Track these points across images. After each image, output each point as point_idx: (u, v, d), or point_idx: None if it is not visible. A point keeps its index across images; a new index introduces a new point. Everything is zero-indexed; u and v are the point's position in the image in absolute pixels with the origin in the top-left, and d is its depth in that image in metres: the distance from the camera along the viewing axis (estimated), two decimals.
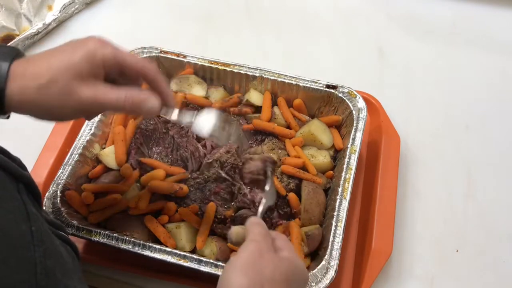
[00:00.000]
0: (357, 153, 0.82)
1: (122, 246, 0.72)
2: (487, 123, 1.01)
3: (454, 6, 1.21)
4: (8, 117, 0.60)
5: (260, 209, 0.72)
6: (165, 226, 0.78)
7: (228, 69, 0.92)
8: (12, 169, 0.51)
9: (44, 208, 0.75)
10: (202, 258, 0.71)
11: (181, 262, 0.71)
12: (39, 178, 0.85)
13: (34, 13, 1.13)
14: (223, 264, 0.71)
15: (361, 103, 0.87)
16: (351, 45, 1.15)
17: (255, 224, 0.60)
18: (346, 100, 0.88)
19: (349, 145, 0.83)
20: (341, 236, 0.73)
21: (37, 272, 0.45)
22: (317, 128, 0.87)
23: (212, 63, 0.93)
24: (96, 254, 0.79)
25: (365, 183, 0.89)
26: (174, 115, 0.67)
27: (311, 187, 0.80)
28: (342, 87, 0.89)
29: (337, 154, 0.88)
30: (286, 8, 1.23)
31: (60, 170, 0.80)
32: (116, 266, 0.79)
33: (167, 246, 0.74)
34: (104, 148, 0.87)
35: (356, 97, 0.88)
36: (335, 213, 0.76)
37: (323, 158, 0.85)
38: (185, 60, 0.93)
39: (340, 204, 0.77)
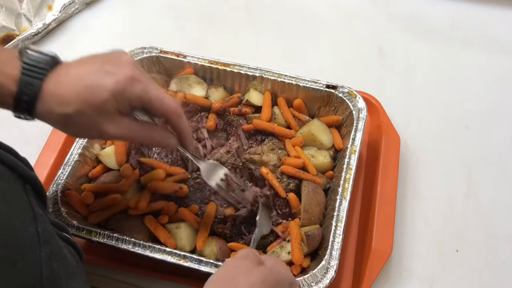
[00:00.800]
0: (357, 153, 0.82)
1: (122, 246, 0.72)
2: (487, 123, 1.01)
3: (454, 6, 1.21)
4: (32, 119, 0.60)
5: (253, 238, 0.73)
6: (165, 226, 0.78)
7: (228, 69, 0.92)
8: (21, 170, 0.51)
9: None
10: (202, 258, 0.71)
11: (181, 262, 0.71)
12: (39, 178, 0.85)
13: (34, 13, 1.13)
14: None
15: (361, 103, 0.87)
16: (351, 45, 1.15)
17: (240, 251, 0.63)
18: (346, 100, 0.88)
19: (349, 145, 0.83)
20: (341, 236, 0.73)
21: (42, 275, 0.45)
22: (317, 128, 0.87)
23: (212, 63, 0.93)
24: (96, 254, 0.79)
25: (365, 183, 0.89)
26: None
27: (311, 187, 0.80)
28: (342, 87, 0.89)
29: (337, 154, 0.88)
30: (286, 8, 1.23)
31: (60, 170, 0.80)
32: (116, 266, 0.79)
33: (167, 246, 0.74)
34: (104, 148, 0.87)
35: (356, 97, 0.88)
36: (335, 213, 0.76)
37: (323, 158, 0.85)
38: (185, 60, 0.93)
39: (340, 204, 0.77)
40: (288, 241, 0.76)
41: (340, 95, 0.88)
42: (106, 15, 1.20)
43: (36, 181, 0.53)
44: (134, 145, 0.86)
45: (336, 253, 0.72)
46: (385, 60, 1.12)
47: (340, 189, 0.78)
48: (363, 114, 0.86)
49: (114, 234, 0.73)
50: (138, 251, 0.72)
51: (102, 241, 0.73)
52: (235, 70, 0.92)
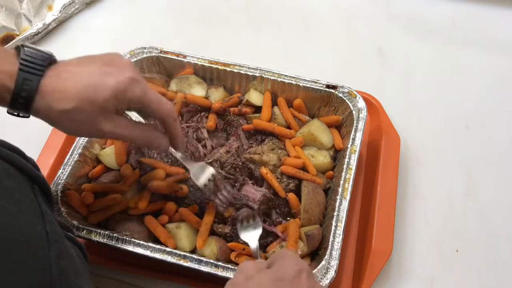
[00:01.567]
0: (357, 153, 0.82)
1: (122, 246, 0.72)
2: (487, 123, 1.01)
3: (454, 6, 1.21)
4: (28, 116, 0.60)
5: (254, 249, 0.74)
6: (165, 226, 0.78)
7: (228, 69, 0.92)
8: (28, 171, 0.51)
9: None
10: (202, 258, 0.71)
11: (181, 262, 0.71)
12: None
13: (34, 13, 1.13)
14: (223, 264, 0.71)
15: (361, 103, 0.87)
16: (351, 45, 1.15)
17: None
18: (346, 100, 0.88)
19: (349, 145, 0.83)
20: (341, 236, 0.73)
21: (52, 273, 0.46)
22: (317, 128, 0.87)
23: (212, 63, 0.93)
24: (96, 254, 0.79)
25: (365, 183, 0.89)
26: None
27: (310, 187, 0.80)
28: (342, 87, 0.89)
29: (337, 154, 0.88)
30: (286, 8, 1.23)
31: (60, 170, 0.80)
32: (116, 266, 0.79)
33: (167, 246, 0.74)
34: (104, 148, 0.86)
35: (356, 97, 0.88)
36: (335, 213, 0.75)
37: (323, 158, 0.85)
38: (185, 60, 0.93)
39: (340, 204, 0.77)
40: None
41: (340, 95, 0.88)
42: (106, 15, 1.20)
43: (43, 181, 0.54)
44: (134, 145, 0.86)
45: (336, 253, 0.72)
46: (385, 60, 1.12)
47: (340, 189, 0.78)
48: (363, 114, 0.86)
49: (114, 234, 0.73)
50: (138, 251, 0.72)
51: (102, 241, 0.73)
52: (235, 70, 0.92)
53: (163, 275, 0.78)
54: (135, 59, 0.93)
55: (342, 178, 0.79)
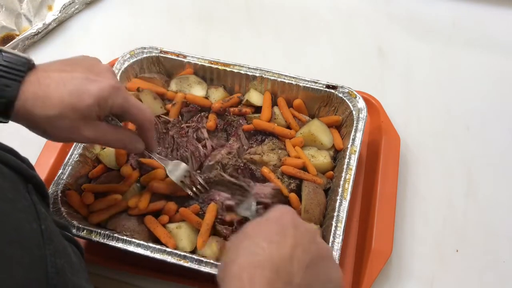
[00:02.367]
0: (357, 154, 0.82)
1: (122, 246, 0.72)
2: (487, 123, 1.01)
3: (454, 6, 1.21)
4: (7, 122, 0.60)
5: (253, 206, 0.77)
6: (166, 226, 0.78)
7: (228, 69, 0.92)
8: (22, 170, 0.52)
9: None
10: (202, 259, 0.71)
11: (181, 263, 0.71)
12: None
13: (34, 13, 1.13)
14: None
15: (361, 103, 0.87)
16: (351, 45, 1.15)
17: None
18: (346, 100, 0.88)
19: (349, 146, 0.83)
20: (341, 237, 0.73)
21: (48, 271, 0.45)
22: (317, 128, 0.87)
23: (212, 63, 0.93)
24: (96, 254, 0.79)
25: (365, 183, 0.89)
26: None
27: (311, 187, 0.80)
28: (342, 87, 0.89)
29: (337, 155, 0.88)
30: (286, 8, 1.23)
31: (60, 170, 0.80)
32: (116, 266, 0.79)
33: (167, 246, 0.74)
34: (104, 148, 0.86)
35: (356, 97, 0.88)
36: (335, 214, 0.75)
37: (323, 158, 0.85)
38: (185, 60, 0.93)
39: (340, 204, 0.77)
40: None
41: (340, 95, 0.88)
42: (106, 15, 1.20)
43: (38, 180, 0.54)
44: None
45: (336, 253, 0.72)
46: (385, 60, 1.12)
47: (340, 190, 0.78)
48: (363, 114, 0.86)
49: (114, 234, 0.73)
50: (138, 251, 0.72)
51: (102, 241, 0.73)
52: (235, 70, 0.92)
53: (163, 275, 0.78)
54: (135, 59, 0.93)
55: (342, 179, 0.79)
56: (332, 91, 0.89)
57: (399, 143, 0.90)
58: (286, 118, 0.90)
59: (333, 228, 0.74)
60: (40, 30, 1.11)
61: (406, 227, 0.86)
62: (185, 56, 0.94)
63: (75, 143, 0.83)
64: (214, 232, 0.79)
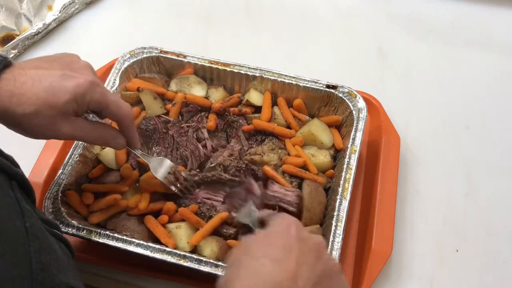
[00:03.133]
0: (357, 153, 0.82)
1: (122, 246, 0.72)
2: (487, 123, 1.01)
3: (454, 6, 1.21)
4: None
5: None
6: (166, 226, 0.78)
7: (228, 69, 0.92)
8: (5, 167, 0.51)
9: (44, 208, 0.75)
10: (202, 258, 0.71)
11: (181, 262, 0.71)
12: (39, 178, 0.85)
13: (34, 13, 1.13)
14: (223, 264, 0.71)
15: (361, 103, 0.87)
16: (351, 45, 1.15)
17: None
18: (346, 100, 0.88)
19: (349, 145, 0.83)
20: (341, 236, 0.73)
21: (32, 267, 0.46)
22: (317, 128, 0.87)
23: (212, 63, 0.93)
24: (96, 254, 0.79)
25: (365, 183, 0.89)
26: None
27: (313, 186, 0.80)
28: (342, 87, 0.89)
29: (337, 154, 0.88)
30: (286, 8, 1.23)
31: (60, 170, 0.80)
32: (116, 266, 0.79)
33: (167, 246, 0.74)
34: (104, 148, 0.86)
35: (356, 97, 0.88)
36: (335, 213, 0.76)
37: (323, 157, 0.85)
38: (185, 60, 0.93)
39: (340, 204, 0.77)
40: None
41: (340, 95, 0.88)
42: (106, 15, 1.20)
43: (23, 178, 0.54)
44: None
45: (336, 253, 0.72)
46: (385, 60, 1.12)
47: (340, 189, 0.78)
48: (363, 114, 0.86)
49: (114, 234, 0.73)
50: (138, 251, 0.72)
51: (102, 241, 0.73)
52: (235, 70, 0.92)
53: (163, 275, 0.78)
54: (135, 59, 0.93)
55: (342, 178, 0.79)
56: (332, 91, 0.89)
57: (399, 143, 0.90)
58: (286, 118, 0.90)
59: (333, 228, 0.74)
60: (40, 30, 1.11)
61: (406, 227, 0.86)
62: (185, 56, 0.94)
63: (75, 143, 0.83)
64: (214, 232, 0.78)
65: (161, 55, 0.93)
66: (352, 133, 0.84)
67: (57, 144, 0.90)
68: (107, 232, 0.74)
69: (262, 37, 1.17)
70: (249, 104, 0.92)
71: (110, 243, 0.73)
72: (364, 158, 0.92)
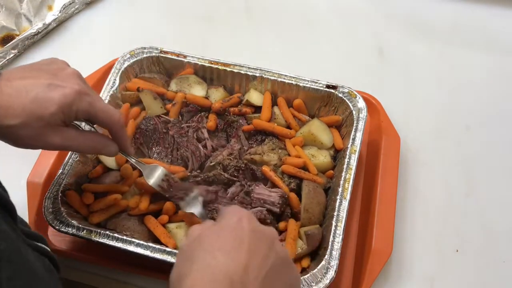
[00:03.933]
0: (357, 153, 0.82)
1: (122, 246, 0.72)
2: (487, 123, 1.01)
3: (454, 6, 1.21)
4: None
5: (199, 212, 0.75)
6: (166, 226, 0.78)
7: (228, 69, 0.92)
8: None
9: (44, 208, 0.75)
10: None
11: None
12: (39, 178, 0.85)
13: (34, 13, 1.13)
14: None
15: (361, 103, 0.87)
16: (351, 45, 1.15)
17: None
18: (346, 100, 0.88)
19: (349, 145, 0.83)
20: (341, 236, 0.73)
21: None
22: (317, 128, 0.87)
23: (212, 63, 0.93)
24: (96, 254, 0.79)
25: (365, 183, 0.89)
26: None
27: (311, 187, 0.80)
28: (342, 87, 0.89)
29: (337, 154, 0.88)
30: (286, 8, 1.23)
31: (60, 170, 0.80)
32: (116, 266, 0.79)
33: (167, 246, 0.74)
34: None
35: (356, 97, 0.88)
36: (335, 213, 0.76)
37: (323, 158, 0.85)
38: (185, 60, 0.93)
39: (340, 204, 0.77)
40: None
41: (340, 95, 0.88)
42: (106, 15, 1.20)
43: (1, 195, 0.51)
44: (134, 145, 0.86)
45: (336, 253, 0.72)
46: (385, 60, 1.12)
47: (340, 189, 0.78)
48: (363, 114, 0.86)
49: (114, 234, 0.73)
50: (138, 251, 0.72)
51: (102, 241, 0.73)
52: (235, 70, 0.92)
53: (163, 275, 0.78)
54: (135, 59, 0.93)
55: (342, 178, 0.79)
56: (332, 91, 0.89)
57: (399, 143, 0.90)
58: (286, 118, 0.90)
59: (333, 228, 0.74)
60: (40, 30, 1.11)
61: (406, 227, 0.86)
62: (185, 56, 0.94)
63: None
64: None
65: (161, 55, 0.93)
66: (352, 133, 0.84)
67: None
68: (107, 232, 0.74)
69: (262, 37, 1.17)
70: (249, 104, 0.92)
71: (110, 243, 0.73)
72: (364, 158, 0.92)
